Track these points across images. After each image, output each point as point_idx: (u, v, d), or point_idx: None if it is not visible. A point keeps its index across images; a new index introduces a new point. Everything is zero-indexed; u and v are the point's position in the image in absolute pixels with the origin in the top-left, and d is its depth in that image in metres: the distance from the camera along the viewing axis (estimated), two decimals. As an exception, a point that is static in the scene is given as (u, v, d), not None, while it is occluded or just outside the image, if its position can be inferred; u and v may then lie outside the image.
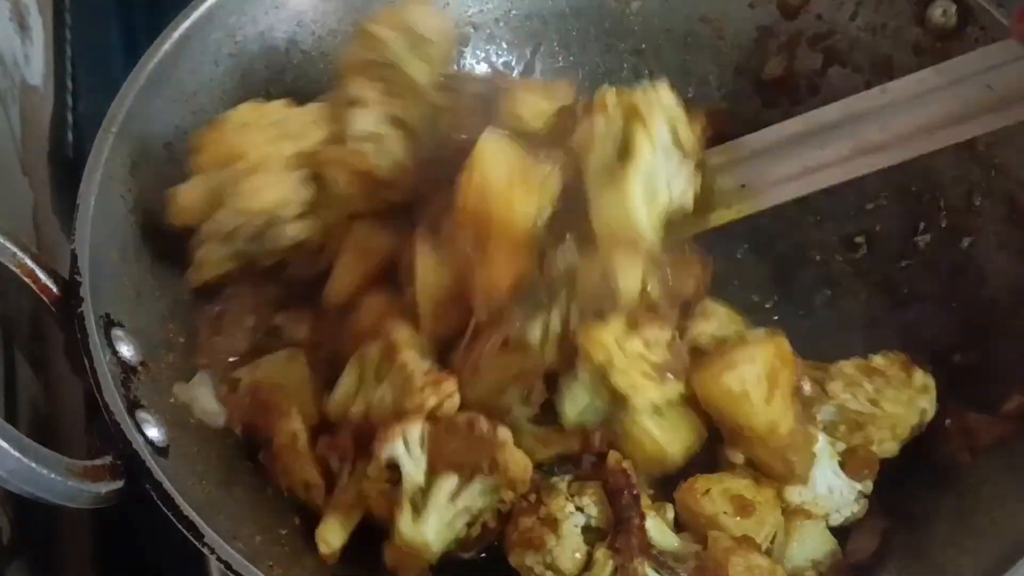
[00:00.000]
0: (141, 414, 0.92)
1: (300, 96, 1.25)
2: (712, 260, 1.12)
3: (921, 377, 1.06)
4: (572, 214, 0.98)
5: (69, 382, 1.17)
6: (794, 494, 1.02)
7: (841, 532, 1.05)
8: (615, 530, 0.95)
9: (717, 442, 1.04)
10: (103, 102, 1.07)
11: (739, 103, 1.32)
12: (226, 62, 1.18)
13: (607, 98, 0.97)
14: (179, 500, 0.86)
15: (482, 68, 1.35)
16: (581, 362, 0.98)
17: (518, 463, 0.93)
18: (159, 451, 0.91)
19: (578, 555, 0.95)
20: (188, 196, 1.04)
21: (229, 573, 0.85)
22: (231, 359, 1.07)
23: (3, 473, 0.80)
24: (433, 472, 0.94)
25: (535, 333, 0.99)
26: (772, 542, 1.00)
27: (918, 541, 1.02)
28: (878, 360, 1.07)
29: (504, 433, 0.94)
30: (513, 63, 1.36)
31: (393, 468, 0.94)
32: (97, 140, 1.04)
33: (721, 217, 1.06)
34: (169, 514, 0.86)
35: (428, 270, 1.00)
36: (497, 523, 0.99)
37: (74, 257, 0.96)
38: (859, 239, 1.26)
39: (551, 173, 0.97)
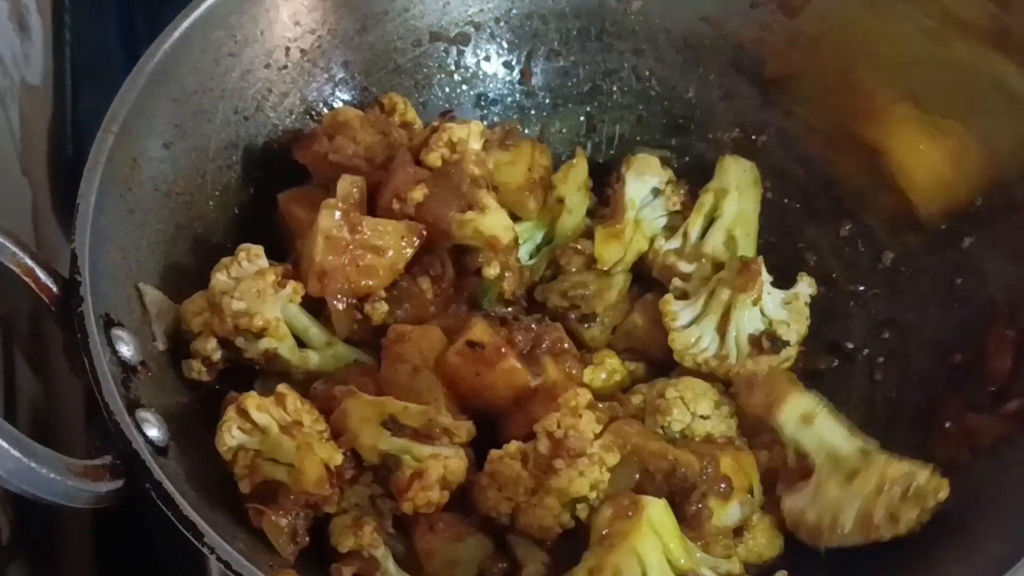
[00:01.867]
0: (141, 413, 0.92)
1: (299, 94, 1.26)
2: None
3: None
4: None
5: (69, 382, 1.16)
6: None
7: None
8: None
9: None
10: (103, 102, 1.06)
11: (740, 103, 1.33)
12: (226, 61, 1.18)
13: None
14: (179, 500, 0.86)
15: (484, 66, 1.36)
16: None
17: None
18: (159, 451, 0.91)
19: None
20: None
21: (229, 573, 0.85)
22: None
23: (3, 473, 0.80)
24: None
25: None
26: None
27: (919, 541, 1.02)
28: None
29: None
30: (513, 62, 1.37)
31: None
32: (97, 140, 1.03)
33: None
34: (169, 514, 0.86)
35: None
36: None
37: (74, 257, 0.96)
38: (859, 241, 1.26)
39: None
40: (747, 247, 1.22)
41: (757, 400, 1.04)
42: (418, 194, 1.11)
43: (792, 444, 1.03)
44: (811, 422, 1.02)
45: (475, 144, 1.17)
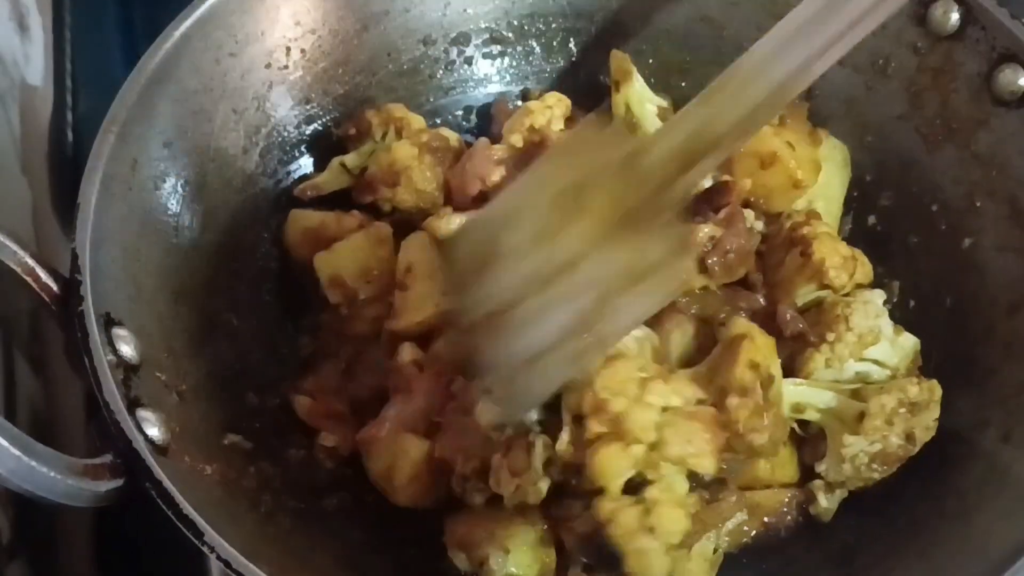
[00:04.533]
0: (141, 413, 0.92)
1: (299, 95, 1.26)
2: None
3: None
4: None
5: (69, 381, 1.17)
6: None
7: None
8: None
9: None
10: (103, 102, 1.06)
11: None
12: (226, 61, 1.18)
13: None
14: (179, 499, 0.86)
15: (484, 66, 1.36)
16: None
17: None
18: (159, 450, 0.91)
19: None
20: None
21: (229, 572, 0.85)
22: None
23: (3, 471, 0.80)
24: None
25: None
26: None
27: (919, 542, 1.02)
28: None
29: None
30: (514, 63, 1.37)
31: None
32: (97, 140, 1.03)
33: None
34: (169, 513, 0.86)
35: None
36: None
37: (75, 256, 0.96)
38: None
39: None
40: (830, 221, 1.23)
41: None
42: (496, 176, 1.10)
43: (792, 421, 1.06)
44: (802, 411, 1.05)
45: (557, 126, 1.15)
